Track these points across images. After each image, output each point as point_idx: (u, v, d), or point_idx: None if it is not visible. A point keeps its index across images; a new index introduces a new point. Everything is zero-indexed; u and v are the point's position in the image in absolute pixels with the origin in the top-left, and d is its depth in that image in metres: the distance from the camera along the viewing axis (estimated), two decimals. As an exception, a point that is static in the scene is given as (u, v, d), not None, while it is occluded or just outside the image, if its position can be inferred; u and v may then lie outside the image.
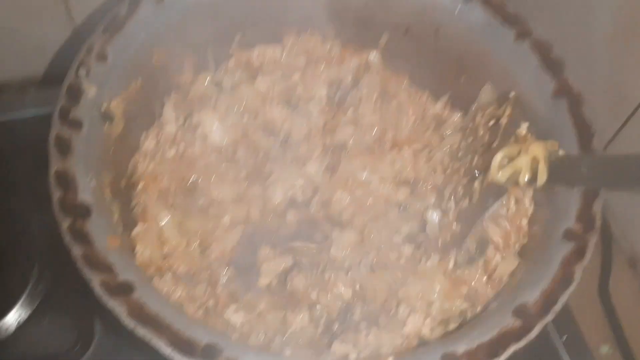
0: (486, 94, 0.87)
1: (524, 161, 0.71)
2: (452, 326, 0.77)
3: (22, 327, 0.86)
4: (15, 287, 0.87)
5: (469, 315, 0.75)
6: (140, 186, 0.85)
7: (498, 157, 0.73)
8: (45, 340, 0.86)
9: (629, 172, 0.64)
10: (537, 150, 0.70)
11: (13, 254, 0.89)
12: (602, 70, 0.94)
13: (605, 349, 0.95)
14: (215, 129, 0.90)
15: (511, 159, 0.73)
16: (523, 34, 0.82)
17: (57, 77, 0.76)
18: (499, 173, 0.73)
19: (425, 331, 0.77)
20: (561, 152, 0.71)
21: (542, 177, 0.70)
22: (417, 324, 0.77)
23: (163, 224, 0.82)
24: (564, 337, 0.90)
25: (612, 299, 0.97)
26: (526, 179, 0.71)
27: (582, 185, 0.69)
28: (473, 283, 0.76)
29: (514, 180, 0.73)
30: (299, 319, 0.79)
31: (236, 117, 0.92)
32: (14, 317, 0.86)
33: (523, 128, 0.75)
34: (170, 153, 0.88)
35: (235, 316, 0.80)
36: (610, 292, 0.97)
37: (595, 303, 0.97)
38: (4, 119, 1.06)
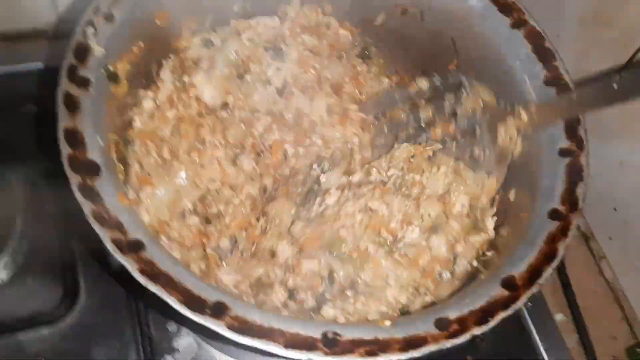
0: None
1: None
2: (427, 298, 0.81)
3: (5, 286, 0.84)
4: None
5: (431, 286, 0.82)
6: (136, 144, 0.85)
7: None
8: (29, 299, 0.85)
9: None
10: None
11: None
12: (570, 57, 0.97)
13: (559, 317, 1.07)
14: (207, 90, 0.91)
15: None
16: (519, 22, 0.86)
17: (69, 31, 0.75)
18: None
19: (403, 300, 0.81)
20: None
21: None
22: (394, 293, 0.81)
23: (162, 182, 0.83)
24: (529, 305, 0.99)
25: (568, 272, 1.08)
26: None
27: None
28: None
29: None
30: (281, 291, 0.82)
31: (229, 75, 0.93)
32: (-3, 276, 0.84)
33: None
34: (171, 114, 0.88)
35: (228, 278, 0.83)
36: (566, 265, 1.09)
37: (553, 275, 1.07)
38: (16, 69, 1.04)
